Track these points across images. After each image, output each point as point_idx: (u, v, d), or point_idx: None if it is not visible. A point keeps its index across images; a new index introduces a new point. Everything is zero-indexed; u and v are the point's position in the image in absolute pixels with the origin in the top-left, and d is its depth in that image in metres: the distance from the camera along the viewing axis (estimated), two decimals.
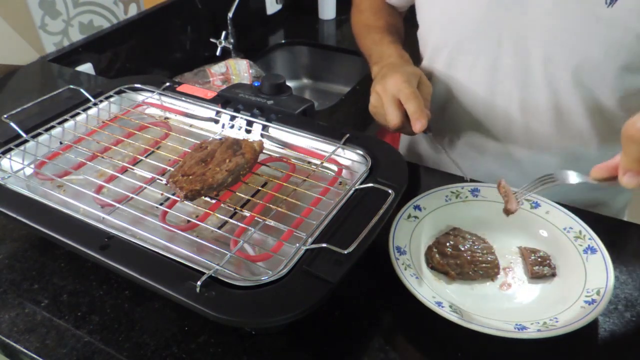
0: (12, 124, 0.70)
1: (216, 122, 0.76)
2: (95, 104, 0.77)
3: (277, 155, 0.71)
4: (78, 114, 0.75)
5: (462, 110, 0.84)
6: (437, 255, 0.62)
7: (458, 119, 0.86)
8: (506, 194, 0.63)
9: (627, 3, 0.64)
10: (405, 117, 0.70)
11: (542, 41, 0.71)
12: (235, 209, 0.61)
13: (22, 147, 0.69)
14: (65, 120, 0.73)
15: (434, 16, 0.82)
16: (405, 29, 0.96)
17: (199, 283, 0.49)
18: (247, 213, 0.59)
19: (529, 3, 0.69)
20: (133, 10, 1.33)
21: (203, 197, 0.59)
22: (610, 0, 0.64)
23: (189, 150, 0.65)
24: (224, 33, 1.48)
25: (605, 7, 0.64)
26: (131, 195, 0.61)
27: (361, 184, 0.61)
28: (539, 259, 0.62)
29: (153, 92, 0.80)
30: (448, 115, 0.87)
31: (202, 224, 0.58)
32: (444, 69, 0.83)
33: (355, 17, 0.99)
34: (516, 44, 0.73)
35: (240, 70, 1.37)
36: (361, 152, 0.67)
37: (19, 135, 0.69)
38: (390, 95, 0.71)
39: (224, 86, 1.26)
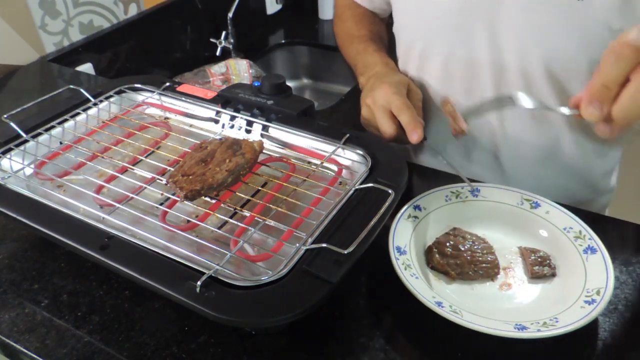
0: (12, 124, 0.70)
1: (216, 122, 0.76)
2: (95, 104, 0.77)
3: (277, 155, 0.71)
4: (78, 114, 0.75)
5: (435, 108, 0.83)
6: (437, 255, 0.62)
7: (433, 117, 0.85)
8: (452, 113, 0.59)
9: None
10: (400, 127, 0.70)
11: (516, 34, 0.70)
12: (235, 209, 0.61)
13: (22, 147, 0.69)
14: (65, 120, 0.73)
15: (408, 8, 0.81)
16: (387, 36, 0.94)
17: (199, 283, 0.49)
18: (247, 213, 0.59)
19: None
20: (133, 10, 1.33)
21: (203, 197, 0.59)
22: None
23: (189, 150, 0.65)
24: (224, 33, 1.48)
25: None
26: (131, 195, 0.61)
27: (361, 184, 0.61)
28: (539, 259, 0.62)
29: (153, 92, 0.80)
30: (424, 115, 0.84)
31: (202, 224, 0.58)
32: (417, 65, 0.82)
33: (338, 27, 0.97)
34: (490, 37, 0.72)
35: (240, 70, 1.36)
36: (361, 152, 0.67)
37: (19, 135, 0.69)
38: (381, 108, 0.71)
39: (224, 86, 1.26)
